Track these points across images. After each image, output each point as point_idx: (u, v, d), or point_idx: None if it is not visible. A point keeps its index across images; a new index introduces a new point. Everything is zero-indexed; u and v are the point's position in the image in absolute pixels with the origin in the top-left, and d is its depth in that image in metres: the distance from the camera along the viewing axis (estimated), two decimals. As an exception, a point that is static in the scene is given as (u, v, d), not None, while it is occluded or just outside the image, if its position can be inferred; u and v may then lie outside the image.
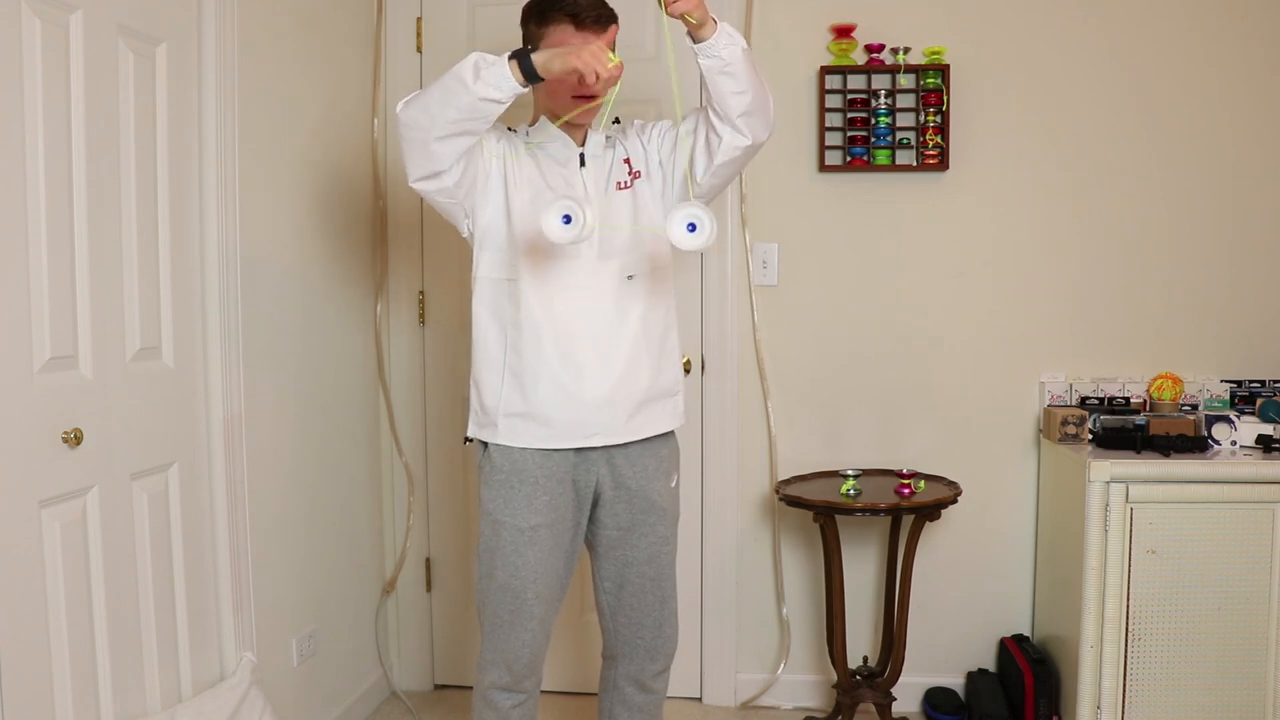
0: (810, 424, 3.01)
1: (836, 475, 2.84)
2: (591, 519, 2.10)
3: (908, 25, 2.89)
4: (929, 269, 2.95)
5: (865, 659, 2.91)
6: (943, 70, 2.84)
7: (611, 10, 1.98)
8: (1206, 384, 2.84)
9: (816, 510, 2.62)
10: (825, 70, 2.88)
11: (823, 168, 2.94)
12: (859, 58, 2.90)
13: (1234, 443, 2.66)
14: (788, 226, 2.98)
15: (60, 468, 1.81)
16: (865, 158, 2.90)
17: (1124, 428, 2.70)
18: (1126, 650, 2.52)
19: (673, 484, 2.13)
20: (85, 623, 1.87)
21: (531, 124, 2.07)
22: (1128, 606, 2.51)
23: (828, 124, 2.91)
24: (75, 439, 1.82)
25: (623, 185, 2.05)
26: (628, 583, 2.10)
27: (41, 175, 1.76)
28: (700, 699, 3.08)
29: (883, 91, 2.87)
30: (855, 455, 2.98)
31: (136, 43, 2.00)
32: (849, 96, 2.90)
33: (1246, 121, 2.87)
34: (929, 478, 2.79)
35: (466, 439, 2.10)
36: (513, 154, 2.00)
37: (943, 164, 2.88)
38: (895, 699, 2.74)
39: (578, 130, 2.04)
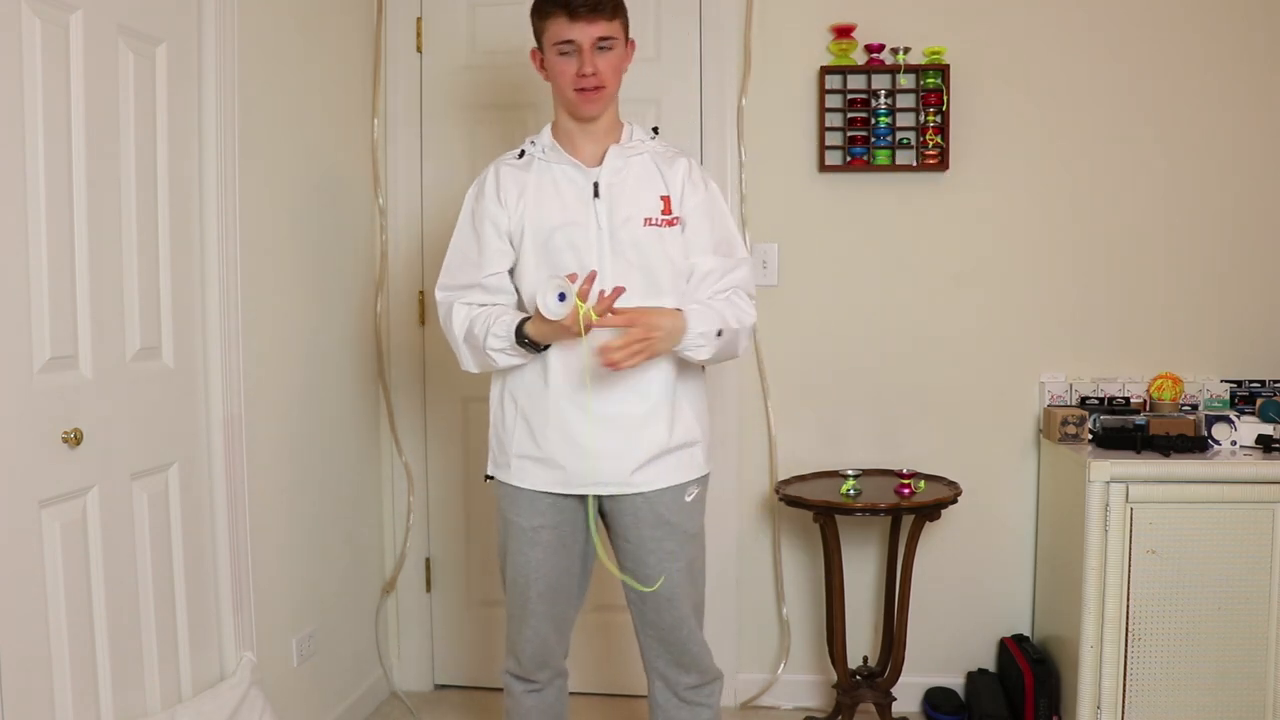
0: (810, 424, 3.00)
1: (836, 475, 2.83)
2: (607, 527, 2.10)
3: (908, 25, 2.89)
4: (929, 269, 2.95)
5: (865, 659, 2.91)
6: (943, 70, 2.84)
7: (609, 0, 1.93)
8: (1206, 384, 2.83)
9: (816, 510, 2.62)
10: (825, 70, 2.88)
11: (823, 168, 2.94)
12: (859, 58, 2.90)
13: (1234, 443, 2.66)
14: (788, 227, 2.97)
15: (60, 468, 1.80)
16: (865, 158, 2.90)
17: (1124, 428, 2.70)
18: (1126, 650, 2.52)
19: (688, 498, 2.04)
20: (85, 623, 1.86)
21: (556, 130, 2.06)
22: (1128, 606, 2.51)
23: (828, 124, 2.91)
24: (75, 439, 1.82)
25: (652, 221, 2.00)
26: (644, 598, 2.05)
27: (41, 175, 1.76)
28: (700, 699, 3.08)
29: (883, 91, 2.87)
30: (855, 455, 2.97)
31: (136, 43, 2.00)
32: (849, 96, 2.90)
33: (1246, 121, 2.87)
34: (929, 478, 2.79)
35: (486, 477, 2.15)
36: (518, 202, 2.01)
37: (943, 164, 2.88)
38: (895, 699, 2.74)
39: (596, 143, 2.02)
